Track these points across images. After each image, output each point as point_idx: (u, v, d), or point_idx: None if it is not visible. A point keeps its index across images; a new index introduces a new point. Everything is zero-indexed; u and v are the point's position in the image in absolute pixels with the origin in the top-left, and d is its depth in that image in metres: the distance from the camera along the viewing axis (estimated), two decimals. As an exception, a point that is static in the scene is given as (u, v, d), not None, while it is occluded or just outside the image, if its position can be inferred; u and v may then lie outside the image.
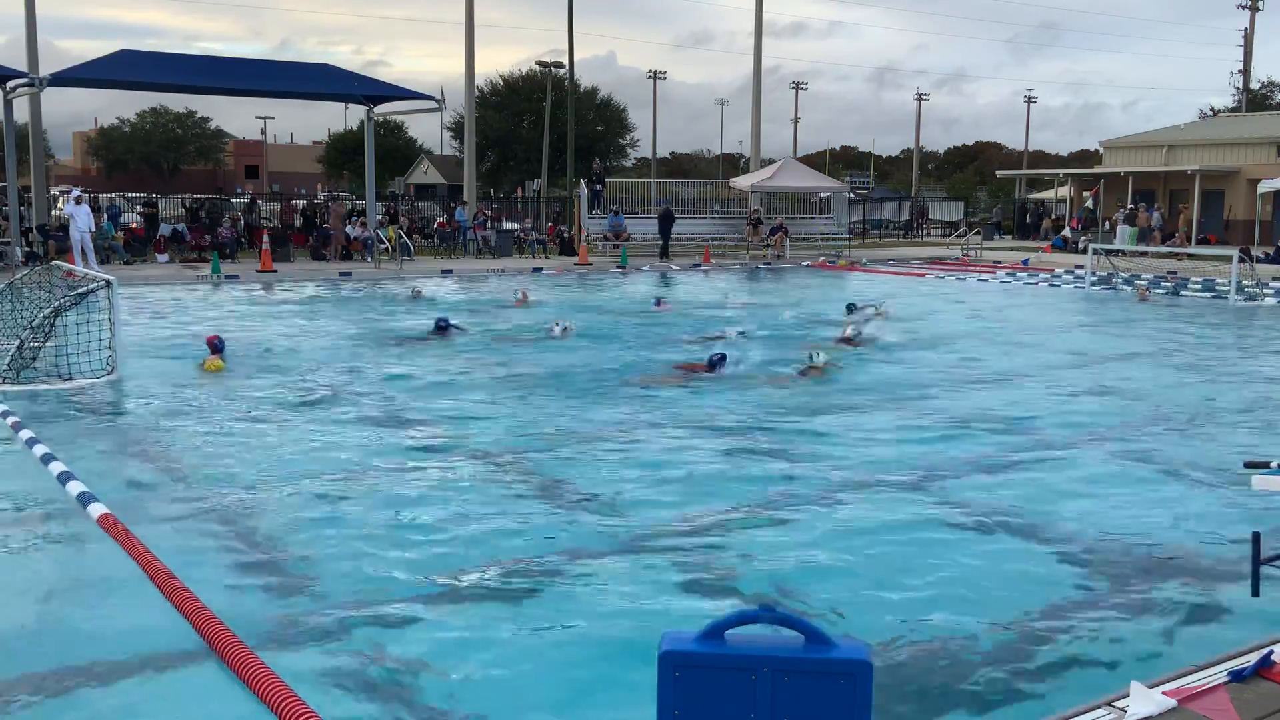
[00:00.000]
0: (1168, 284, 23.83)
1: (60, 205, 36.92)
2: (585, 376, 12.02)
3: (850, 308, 17.55)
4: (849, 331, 14.47)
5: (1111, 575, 5.76)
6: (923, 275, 27.17)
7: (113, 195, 36.67)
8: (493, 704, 4.34)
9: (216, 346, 12.49)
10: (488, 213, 35.69)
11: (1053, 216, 45.11)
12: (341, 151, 73.36)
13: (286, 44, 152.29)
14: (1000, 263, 30.25)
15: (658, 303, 19.19)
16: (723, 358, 11.97)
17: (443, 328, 15.06)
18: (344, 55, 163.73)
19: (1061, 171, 49.45)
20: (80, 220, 23.45)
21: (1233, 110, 55.64)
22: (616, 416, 9.76)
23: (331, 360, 12.85)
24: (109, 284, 11.36)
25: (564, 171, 45.35)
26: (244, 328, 15.77)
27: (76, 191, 25.39)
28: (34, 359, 10.95)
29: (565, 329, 15.17)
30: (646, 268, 28.35)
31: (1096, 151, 48.66)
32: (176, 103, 76.82)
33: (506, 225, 34.17)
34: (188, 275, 23.76)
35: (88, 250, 23.32)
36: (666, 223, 31.71)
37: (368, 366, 12.46)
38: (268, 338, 14.81)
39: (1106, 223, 37.01)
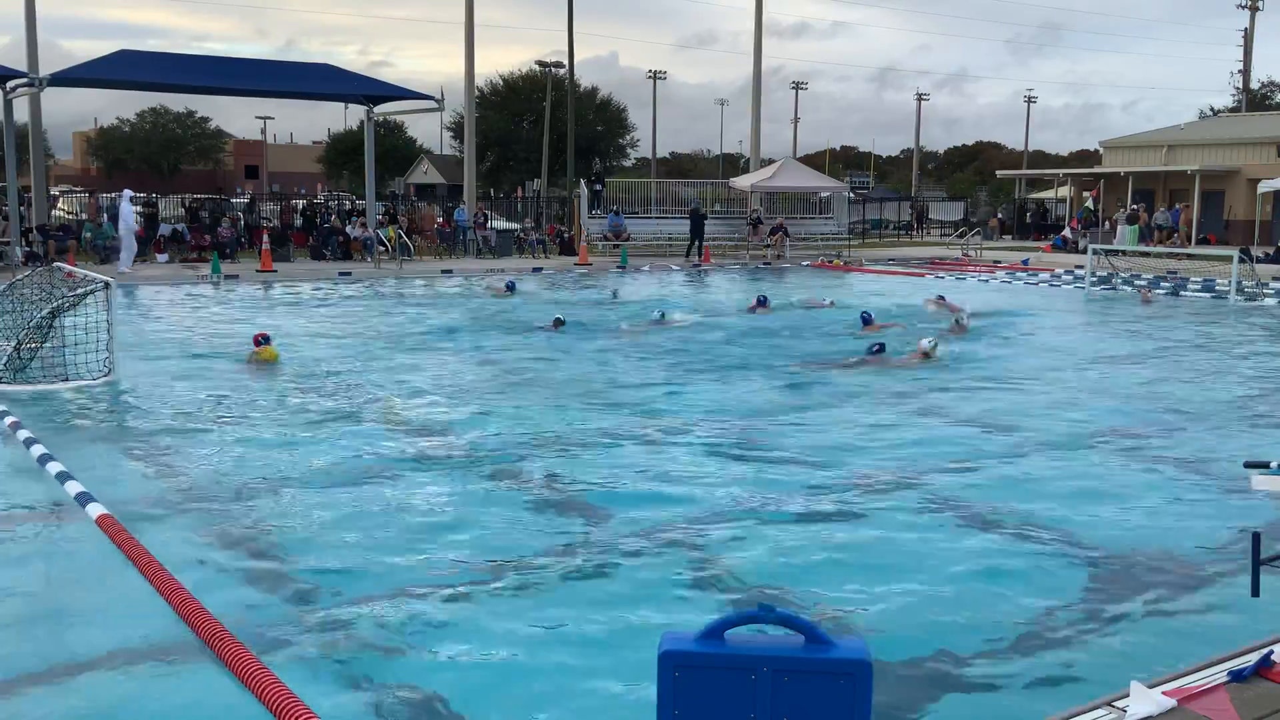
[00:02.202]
0: (1167, 284, 23.82)
1: (60, 206, 36.98)
2: (620, 375, 12.09)
3: (940, 299, 18.73)
4: (956, 322, 15.77)
5: (1111, 575, 5.75)
6: (922, 275, 27.16)
7: (113, 195, 36.63)
8: (493, 704, 4.33)
9: (261, 344, 12.67)
10: (487, 212, 35.70)
11: (998, 216, 45.59)
12: (341, 151, 73.30)
13: (291, 44, 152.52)
14: (1000, 263, 30.24)
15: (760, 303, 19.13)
16: (881, 347, 13.09)
17: (559, 322, 15.78)
18: (348, 56, 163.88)
19: (1061, 171, 49.48)
20: (127, 218, 24.64)
21: (1233, 110, 55.62)
22: (624, 417, 9.76)
23: (347, 360, 12.89)
24: (107, 285, 11.36)
25: (564, 171, 45.35)
26: (271, 325, 15.80)
27: (129, 192, 26.49)
28: (32, 359, 10.94)
29: (664, 317, 16.31)
30: (646, 268, 28.35)
31: (1096, 151, 48.69)
32: (176, 103, 76.79)
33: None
34: (188, 275, 23.76)
35: (129, 246, 24.39)
36: (698, 223, 31.56)
37: (385, 364, 12.50)
38: (306, 335, 14.96)
39: (1106, 223, 37.00)
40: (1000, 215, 46.63)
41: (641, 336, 15.31)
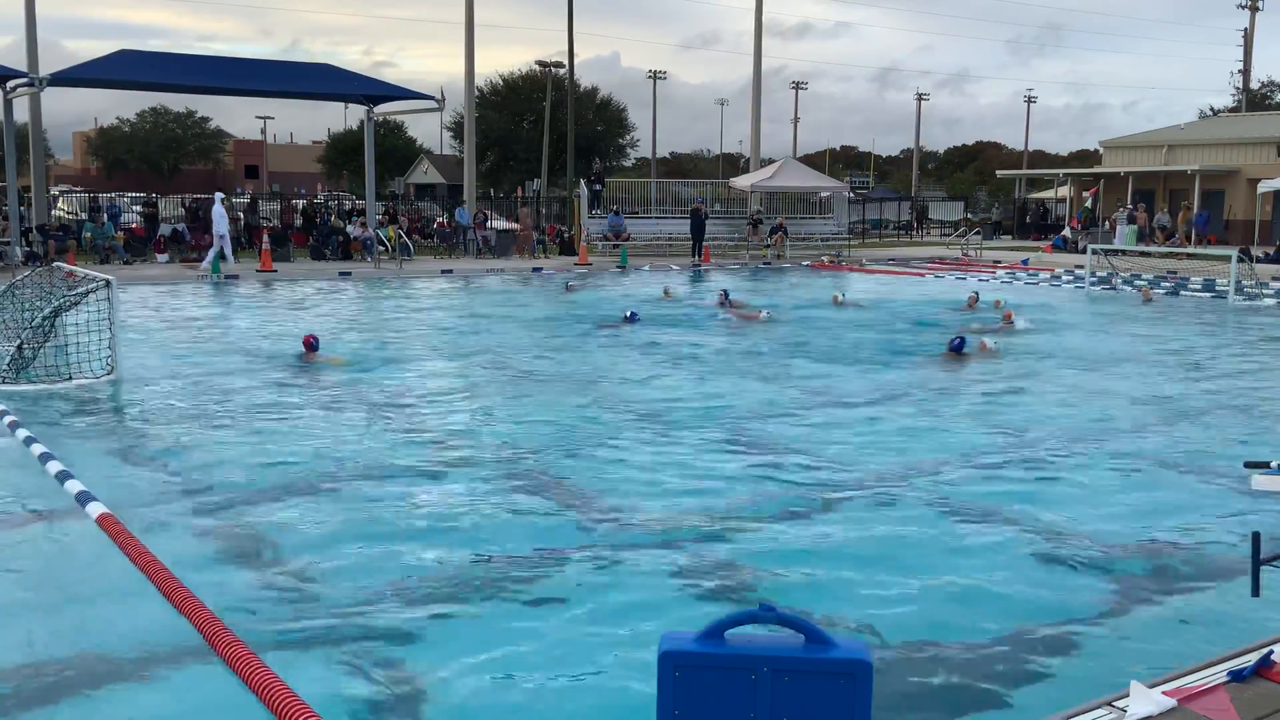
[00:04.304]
0: (1167, 284, 23.83)
1: (59, 206, 36.96)
2: (642, 373, 12.10)
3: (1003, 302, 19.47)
4: (1021, 322, 16.48)
5: (1112, 575, 5.75)
6: (922, 275, 27.17)
7: (113, 195, 36.63)
8: (492, 704, 4.33)
9: (312, 345, 12.80)
10: (487, 212, 35.69)
11: (969, 218, 45.95)
12: (341, 151, 73.33)
13: (296, 45, 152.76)
14: (1000, 262, 30.25)
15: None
16: (962, 341, 13.46)
17: (629, 318, 16.31)
18: (352, 56, 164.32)
19: (1061, 171, 49.48)
20: (219, 220, 25.62)
21: (1233, 110, 55.63)
22: (625, 413, 9.76)
23: (358, 358, 12.96)
24: (109, 284, 11.36)
25: (564, 171, 45.35)
26: (277, 323, 15.77)
27: (220, 195, 27.21)
28: (33, 359, 10.95)
29: (767, 315, 17.07)
30: (646, 268, 28.35)
31: (1096, 151, 48.70)
32: (176, 103, 76.84)
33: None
34: (188, 275, 23.77)
35: (226, 247, 25.45)
36: (699, 222, 31.57)
37: (394, 363, 12.56)
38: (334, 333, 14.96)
39: (1106, 223, 37.00)
40: (969, 215, 47.25)
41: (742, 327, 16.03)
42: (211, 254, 24.77)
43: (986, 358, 13.29)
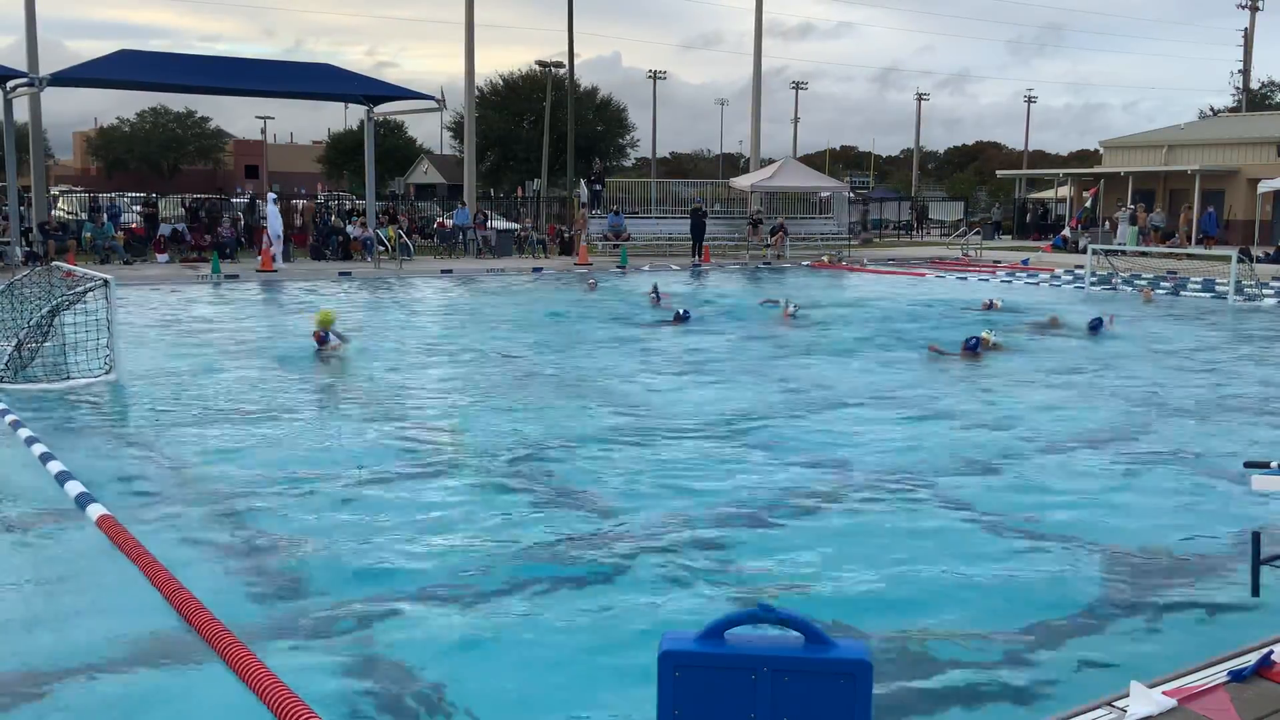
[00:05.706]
0: (1167, 284, 23.82)
1: (60, 205, 36.96)
2: (644, 373, 12.08)
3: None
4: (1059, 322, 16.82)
5: (1112, 575, 5.75)
6: (923, 275, 27.16)
7: (113, 195, 36.63)
8: (492, 704, 4.33)
9: (323, 338, 12.97)
10: (487, 212, 35.68)
11: (968, 221, 46.46)
12: (341, 151, 73.26)
13: (299, 45, 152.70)
14: (1000, 262, 30.25)
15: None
16: (978, 341, 13.58)
17: (681, 317, 16.51)
18: (355, 56, 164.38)
19: (1061, 171, 49.47)
20: (274, 222, 25.93)
21: (1233, 110, 55.62)
22: (632, 415, 9.76)
23: (361, 356, 12.99)
24: (107, 283, 11.36)
25: (564, 171, 45.35)
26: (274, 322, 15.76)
27: (273, 195, 27.59)
28: (32, 358, 10.94)
29: (795, 310, 17.36)
30: (646, 268, 28.34)
31: (1096, 151, 48.70)
32: (176, 103, 76.75)
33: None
34: (188, 275, 23.76)
35: (276, 246, 25.61)
36: (698, 222, 31.61)
37: (397, 361, 12.55)
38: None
39: (1106, 223, 36.99)
40: (968, 215, 47.72)
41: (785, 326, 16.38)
42: (277, 253, 25.25)
43: (992, 354, 13.33)
